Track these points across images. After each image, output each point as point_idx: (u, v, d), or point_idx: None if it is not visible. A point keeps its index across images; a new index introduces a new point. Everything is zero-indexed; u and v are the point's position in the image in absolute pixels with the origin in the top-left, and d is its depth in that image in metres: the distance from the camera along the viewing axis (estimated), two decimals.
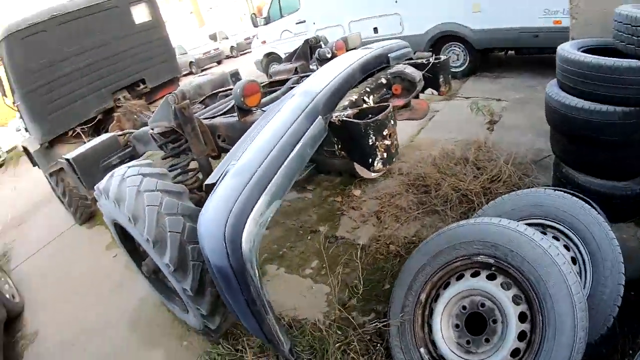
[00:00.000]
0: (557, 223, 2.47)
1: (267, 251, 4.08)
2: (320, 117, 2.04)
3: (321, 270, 3.52)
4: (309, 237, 4.02)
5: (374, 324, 2.72)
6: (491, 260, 2.13)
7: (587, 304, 1.98)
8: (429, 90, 2.90)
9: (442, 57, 2.75)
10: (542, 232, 2.34)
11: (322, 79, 2.32)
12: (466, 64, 7.02)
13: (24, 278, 6.06)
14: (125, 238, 3.34)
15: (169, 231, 2.40)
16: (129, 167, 2.73)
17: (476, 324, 2.16)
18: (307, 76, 2.79)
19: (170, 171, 3.18)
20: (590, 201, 2.54)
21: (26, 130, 6.81)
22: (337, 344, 2.67)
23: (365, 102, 2.44)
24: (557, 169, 3.30)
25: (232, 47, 25.05)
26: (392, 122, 2.07)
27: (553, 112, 2.98)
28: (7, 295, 4.92)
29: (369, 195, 4.32)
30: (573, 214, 2.42)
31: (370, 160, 2.10)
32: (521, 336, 1.98)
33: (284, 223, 4.42)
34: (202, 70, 21.77)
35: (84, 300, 4.69)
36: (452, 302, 2.26)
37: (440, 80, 2.75)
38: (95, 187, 2.94)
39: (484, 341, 2.08)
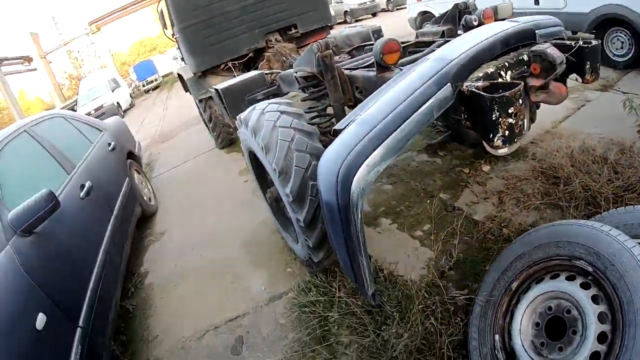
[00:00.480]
0: None
1: (386, 205, 4.28)
2: (449, 84, 2.11)
3: (431, 235, 3.62)
4: (427, 201, 4.11)
5: (460, 297, 2.80)
6: (590, 269, 2.02)
7: None
8: (574, 77, 2.74)
9: (593, 42, 2.57)
10: None
11: (459, 48, 2.34)
12: (631, 54, 6.05)
13: (162, 186, 7.03)
14: (256, 166, 3.75)
15: (295, 165, 2.69)
16: (269, 103, 3.06)
17: (556, 328, 2.10)
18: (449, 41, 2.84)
19: (307, 113, 3.48)
20: None
21: (182, 59, 7.66)
22: (421, 306, 2.80)
23: (501, 76, 2.43)
24: None
25: (388, 0, 24.79)
26: (520, 101, 2.08)
27: None
28: (145, 198, 5.80)
29: (497, 173, 4.26)
30: None
31: (490, 135, 2.15)
32: (593, 357, 1.86)
33: (408, 182, 4.57)
34: (356, 21, 22.12)
35: (210, 215, 5.37)
36: (540, 299, 2.20)
37: (587, 67, 2.60)
38: (237, 116, 3.32)
39: (558, 349, 2.01)
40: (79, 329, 2.69)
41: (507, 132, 2.12)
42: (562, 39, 2.78)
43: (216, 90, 4.66)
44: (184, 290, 4.05)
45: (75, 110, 19.81)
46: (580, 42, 2.55)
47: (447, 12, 4.03)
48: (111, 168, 4.97)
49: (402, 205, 4.22)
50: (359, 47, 4.96)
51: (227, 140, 7.46)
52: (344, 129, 2.19)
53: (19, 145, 3.67)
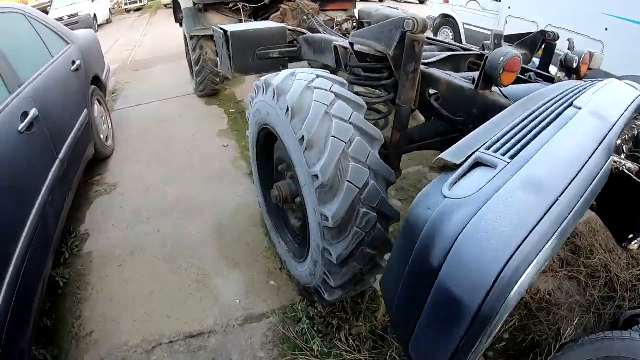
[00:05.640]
0: None
1: (393, 226, 3.41)
2: (612, 156, 1.30)
3: None
4: None
5: None
6: None
7: None
8: None
9: None
10: None
11: (613, 106, 1.54)
12: None
13: (123, 124, 5.81)
14: (264, 150, 2.76)
15: (348, 181, 1.75)
16: (318, 76, 2.05)
17: None
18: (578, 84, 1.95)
19: None
20: None
21: None
22: None
23: (621, 151, 1.74)
24: None
25: None
26: None
27: None
28: (102, 136, 4.62)
29: None
30: None
31: (630, 234, 1.44)
32: None
33: None
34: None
35: (175, 176, 4.28)
36: None
37: None
38: (263, 79, 2.30)
39: None
40: None
41: None
42: None
43: (224, 31, 3.58)
44: (131, 274, 3.03)
45: (48, 13, 17.78)
46: None
47: (526, 34, 3.11)
48: (69, 93, 3.75)
49: None
50: None
51: (210, 89, 6.27)
52: (462, 167, 1.29)
53: None
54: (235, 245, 3.22)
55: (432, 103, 2.32)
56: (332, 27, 4.57)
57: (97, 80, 4.84)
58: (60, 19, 16.61)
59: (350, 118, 1.84)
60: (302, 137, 1.81)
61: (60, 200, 2.98)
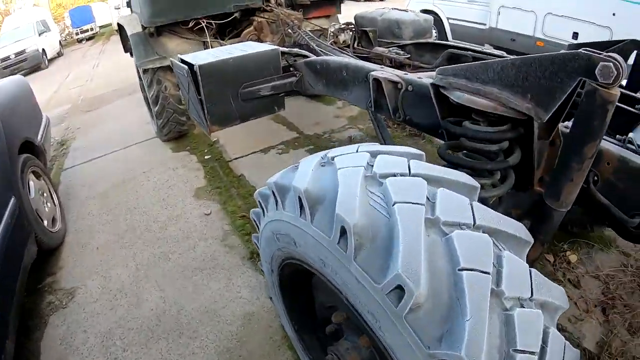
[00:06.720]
0: None
1: None
2: None
3: None
4: None
5: None
6: None
7: None
8: None
9: None
10: None
11: None
12: None
13: (75, 190, 4.52)
14: (291, 283, 1.65)
15: None
16: (408, 181, 0.93)
17: None
18: None
19: None
20: None
21: (128, 5, 5.21)
22: None
23: None
24: None
25: None
26: None
27: None
28: (45, 222, 3.36)
29: (586, 266, 2.68)
30: None
31: None
32: None
33: None
34: None
35: (148, 269, 3.07)
36: None
37: None
38: (282, 175, 1.19)
39: None
40: None
41: None
42: None
43: (189, 65, 2.47)
44: None
45: None
46: None
47: (612, 42, 2.08)
48: None
49: None
50: (420, 46, 3.00)
51: (175, 132, 5.02)
52: None
53: None
54: None
55: (594, 194, 1.28)
56: (318, 36, 3.52)
57: (29, 146, 3.59)
58: (6, 59, 15.54)
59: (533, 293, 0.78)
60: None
61: None
